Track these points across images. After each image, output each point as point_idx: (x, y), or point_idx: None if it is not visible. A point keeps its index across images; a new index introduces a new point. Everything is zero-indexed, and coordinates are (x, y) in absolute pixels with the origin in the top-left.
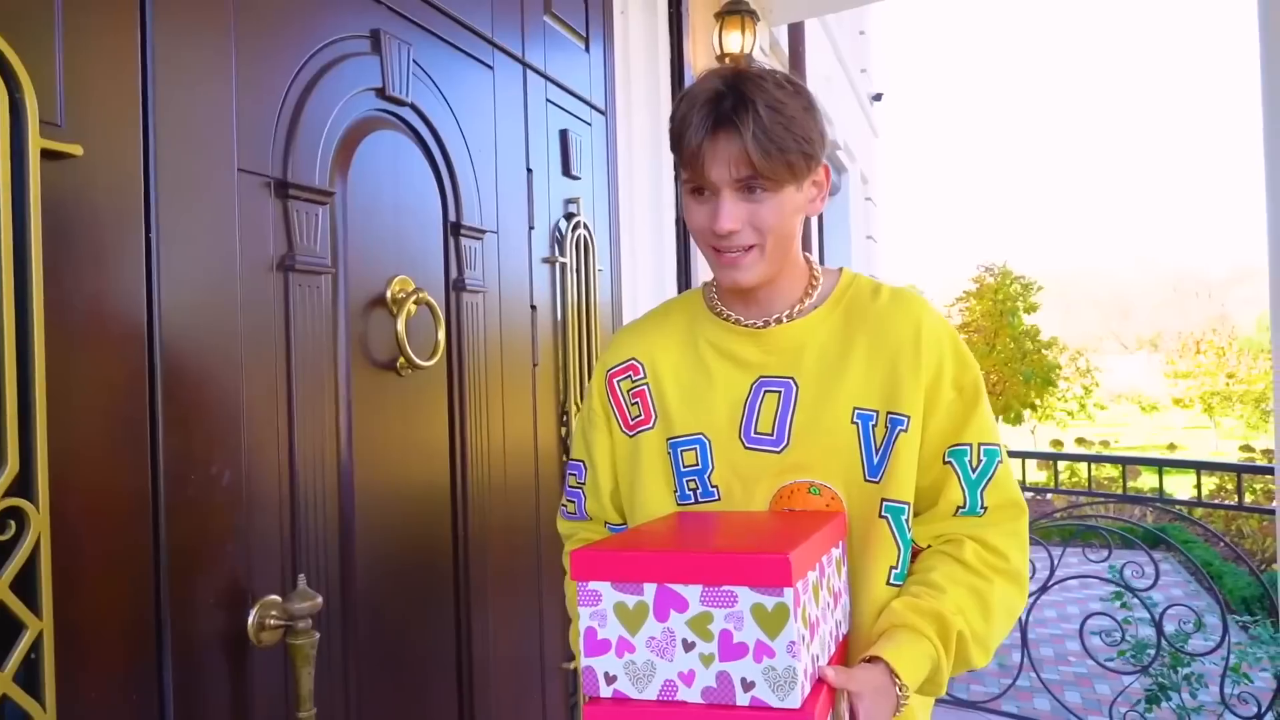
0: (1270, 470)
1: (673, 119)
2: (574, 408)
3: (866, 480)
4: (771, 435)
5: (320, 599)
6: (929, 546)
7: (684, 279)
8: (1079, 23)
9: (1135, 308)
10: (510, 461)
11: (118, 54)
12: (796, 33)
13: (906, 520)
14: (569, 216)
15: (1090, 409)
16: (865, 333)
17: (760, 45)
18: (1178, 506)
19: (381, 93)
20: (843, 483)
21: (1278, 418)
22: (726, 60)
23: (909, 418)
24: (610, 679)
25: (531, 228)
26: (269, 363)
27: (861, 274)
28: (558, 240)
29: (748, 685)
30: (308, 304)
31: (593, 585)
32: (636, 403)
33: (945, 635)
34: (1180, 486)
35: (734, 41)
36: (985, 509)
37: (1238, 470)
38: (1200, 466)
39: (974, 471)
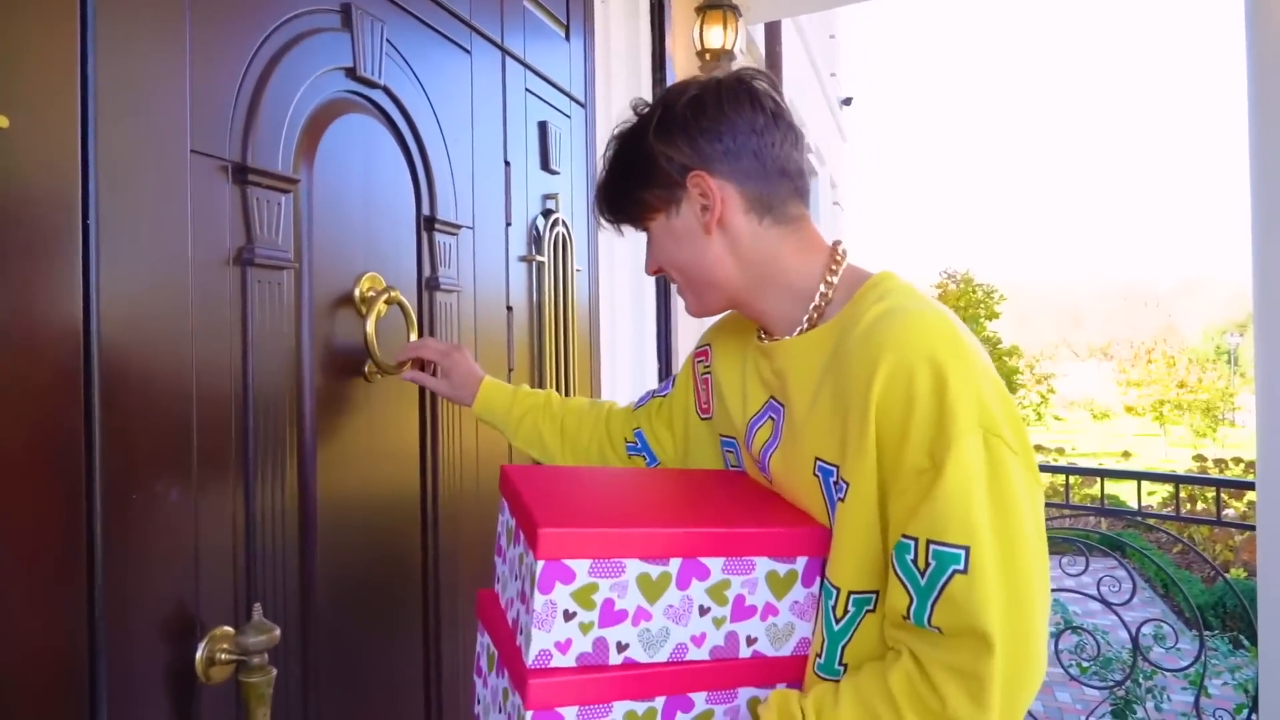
0: (1250, 485)
1: None
2: None
3: None
4: (760, 467)
5: (278, 631)
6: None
7: (663, 281)
8: (1041, 37)
9: (1087, 317)
10: (484, 473)
11: (53, 16)
12: (774, 32)
13: (834, 607)
14: (547, 213)
15: (1047, 417)
16: (836, 368)
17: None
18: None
19: (352, 73)
20: None
21: (1262, 432)
22: (706, 56)
23: (848, 485)
24: (497, 579)
25: (509, 224)
26: (224, 366)
27: (890, 283)
28: (535, 238)
29: (519, 629)
30: (268, 302)
31: (502, 499)
32: (704, 389)
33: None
34: (1129, 493)
35: (715, 37)
36: (939, 630)
37: (1217, 484)
38: (1179, 480)
39: (921, 576)
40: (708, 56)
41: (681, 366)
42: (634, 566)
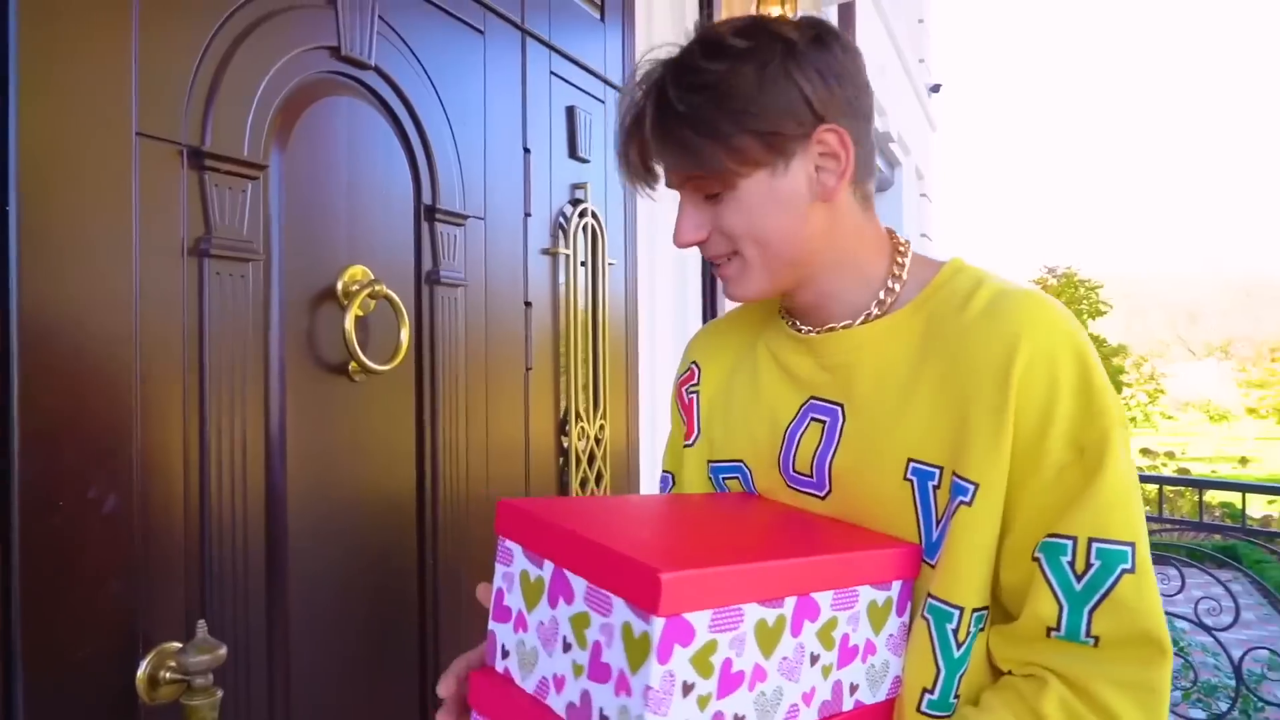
0: None
1: None
2: (576, 417)
3: (924, 560)
4: (811, 476)
5: (224, 650)
6: (1010, 673)
7: (709, 274)
8: (1152, 14)
9: (1204, 313)
10: (495, 479)
11: None
12: (847, 15)
13: (955, 631)
14: (575, 203)
15: (1155, 418)
16: (942, 355)
17: None
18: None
19: (336, 53)
20: None
21: None
22: None
23: (975, 486)
24: (505, 653)
25: (528, 214)
26: (173, 364)
27: (975, 267)
28: (560, 229)
29: (603, 718)
30: (230, 296)
31: (509, 543)
32: (687, 415)
33: None
34: (1252, 503)
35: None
36: (1096, 640)
37: None
38: None
39: (1077, 580)
40: None
41: (670, 404)
42: (752, 613)
